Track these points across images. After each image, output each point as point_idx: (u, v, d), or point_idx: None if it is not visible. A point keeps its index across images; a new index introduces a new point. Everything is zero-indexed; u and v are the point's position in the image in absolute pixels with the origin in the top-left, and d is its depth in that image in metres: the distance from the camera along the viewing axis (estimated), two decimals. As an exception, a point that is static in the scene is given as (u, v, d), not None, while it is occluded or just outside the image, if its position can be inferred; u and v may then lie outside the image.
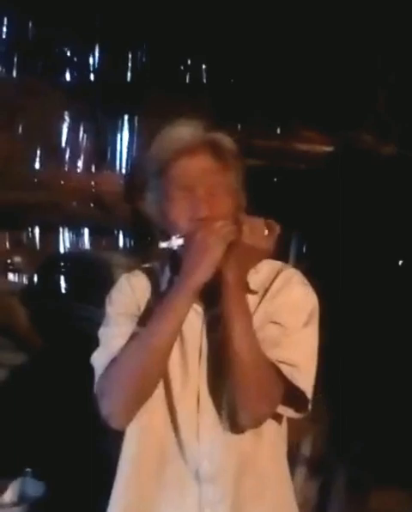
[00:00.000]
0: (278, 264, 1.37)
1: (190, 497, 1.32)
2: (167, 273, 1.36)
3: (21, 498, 2.45)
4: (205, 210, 1.27)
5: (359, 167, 2.75)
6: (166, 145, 1.29)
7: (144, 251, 3.33)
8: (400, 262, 2.91)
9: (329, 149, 3.01)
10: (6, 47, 3.42)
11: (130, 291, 1.39)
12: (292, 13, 3.15)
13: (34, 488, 2.44)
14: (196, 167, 1.30)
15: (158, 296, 1.36)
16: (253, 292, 1.33)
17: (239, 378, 1.25)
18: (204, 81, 3.68)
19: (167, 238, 1.29)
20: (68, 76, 3.60)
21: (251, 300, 1.31)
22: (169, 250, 1.31)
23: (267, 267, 1.37)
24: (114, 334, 1.33)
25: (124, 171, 3.62)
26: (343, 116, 2.94)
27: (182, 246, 1.27)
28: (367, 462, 2.57)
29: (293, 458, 1.50)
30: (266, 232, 1.27)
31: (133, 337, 1.30)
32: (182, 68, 3.67)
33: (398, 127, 2.91)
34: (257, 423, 1.30)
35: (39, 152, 3.44)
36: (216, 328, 1.29)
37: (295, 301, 1.34)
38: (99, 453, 2.58)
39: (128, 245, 3.46)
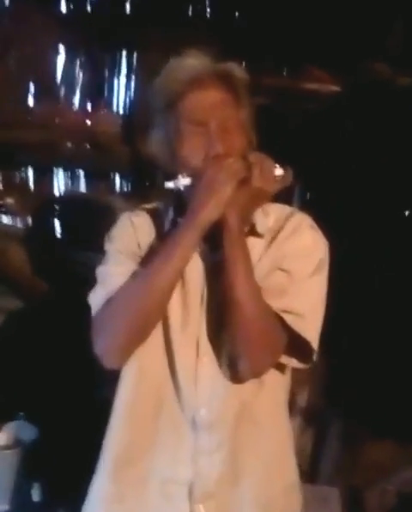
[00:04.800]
0: (288, 209, 1.37)
1: (185, 445, 1.30)
2: (171, 214, 1.34)
3: (15, 442, 2.49)
4: (220, 147, 1.24)
5: (374, 99, 2.62)
6: (176, 77, 1.26)
7: (142, 194, 3.25)
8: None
9: (338, 88, 2.89)
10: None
11: (131, 230, 1.34)
12: None
13: (28, 431, 2.49)
14: (209, 100, 1.23)
15: (160, 237, 1.32)
16: (259, 235, 1.31)
17: (239, 327, 1.19)
18: (208, 15, 3.51)
19: (173, 178, 1.27)
20: (63, 8, 3.41)
21: (259, 245, 1.28)
22: (174, 190, 1.27)
23: (277, 211, 1.33)
24: (113, 272, 1.28)
25: (121, 110, 3.48)
26: (355, 48, 2.79)
27: (190, 185, 1.24)
28: (361, 414, 2.58)
29: (289, 408, 1.49)
30: (277, 173, 1.24)
31: (133, 275, 1.25)
32: (184, 1, 3.49)
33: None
34: (258, 373, 1.27)
35: (32, 88, 3.30)
36: (219, 273, 1.24)
37: (304, 248, 1.28)
38: (96, 398, 2.57)
39: (125, 188, 3.37)
